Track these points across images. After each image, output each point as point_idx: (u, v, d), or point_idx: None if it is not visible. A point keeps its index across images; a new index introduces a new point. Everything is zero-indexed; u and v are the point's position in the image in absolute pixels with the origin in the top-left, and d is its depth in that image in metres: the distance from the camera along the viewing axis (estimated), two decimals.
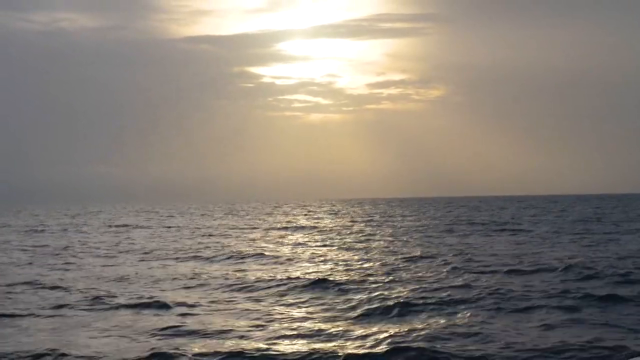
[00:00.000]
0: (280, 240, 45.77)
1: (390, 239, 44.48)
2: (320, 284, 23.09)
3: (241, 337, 15.53)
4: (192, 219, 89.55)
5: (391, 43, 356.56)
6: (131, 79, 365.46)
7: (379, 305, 18.77)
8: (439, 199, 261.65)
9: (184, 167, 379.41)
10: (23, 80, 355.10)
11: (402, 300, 19.06)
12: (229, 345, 14.71)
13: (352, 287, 22.36)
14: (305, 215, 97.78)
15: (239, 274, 26.91)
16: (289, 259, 32.36)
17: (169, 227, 67.54)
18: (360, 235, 48.98)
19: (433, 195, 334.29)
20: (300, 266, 29.42)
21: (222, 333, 15.94)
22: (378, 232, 52.84)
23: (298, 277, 24.94)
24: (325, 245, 40.35)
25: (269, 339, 15.35)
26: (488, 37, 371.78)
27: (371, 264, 29.27)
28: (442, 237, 44.29)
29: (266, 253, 35.28)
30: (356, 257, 32.35)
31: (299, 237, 48.97)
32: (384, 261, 29.94)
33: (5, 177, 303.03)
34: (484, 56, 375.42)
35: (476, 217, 75.45)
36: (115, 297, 21.47)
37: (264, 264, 30.60)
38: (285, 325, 16.79)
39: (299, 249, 37.95)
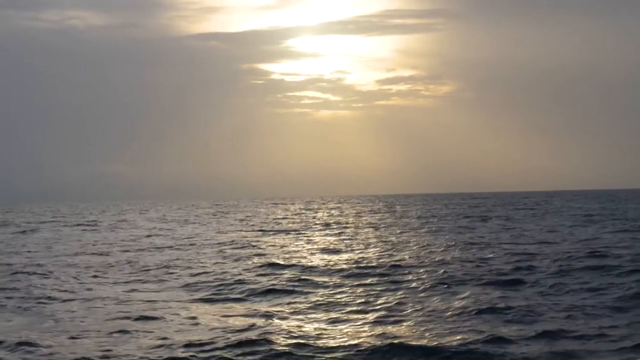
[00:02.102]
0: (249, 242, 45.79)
1: (356, 239, 44.53)
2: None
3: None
4: (187, 218, 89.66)
5: (401, 39, 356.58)
6: (141, 77, 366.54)
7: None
8: (448, 195, 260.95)
9: (194, 164, 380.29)
10: (35, 80, 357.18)
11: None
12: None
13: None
14: (298, 214, 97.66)
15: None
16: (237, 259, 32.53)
17: (155, 224, 67.84)
18: (333, 236, 48.89)
19: (443, 192, 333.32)
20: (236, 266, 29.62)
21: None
22: (357, 231, 52.93)
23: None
24: (290, 245, 40.47)
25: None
26: (498, 33, 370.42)
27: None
28: (415, 233, 44.35)
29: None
30: (301, 258, 32.47)
31: (275, 239, 48.98)
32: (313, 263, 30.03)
33: (18, 178, 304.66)
34: (493, 52, 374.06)
35: (460, 214, 75.43)
36: None
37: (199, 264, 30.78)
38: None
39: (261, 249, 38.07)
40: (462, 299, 19.83)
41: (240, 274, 26.89)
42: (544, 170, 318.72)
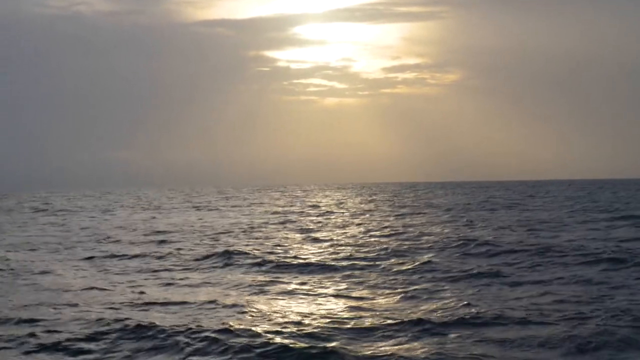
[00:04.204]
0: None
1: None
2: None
3: None
4: (165, 207, 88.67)
5: (407, 27, 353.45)
6: (147, 64, 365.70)
7: None
8: (453, 184, 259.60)
9: (199, 151, 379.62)
10: (42, 67, 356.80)
11: None
12: None
13: None
14: (283, 204, 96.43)
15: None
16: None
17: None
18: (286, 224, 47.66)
19: (449, 180, 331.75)
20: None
21: None
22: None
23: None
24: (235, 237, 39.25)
25: None
26: (504, 21, 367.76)
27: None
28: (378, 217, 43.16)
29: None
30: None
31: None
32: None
33: (25, 164, 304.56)
34: (500, 40, 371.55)
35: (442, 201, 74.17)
36: None
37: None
38: None
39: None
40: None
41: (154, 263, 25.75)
42: (549, 159, 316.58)
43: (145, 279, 22.20)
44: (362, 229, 40.93)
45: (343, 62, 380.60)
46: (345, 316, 15.86)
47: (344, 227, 43.08)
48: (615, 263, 22.54)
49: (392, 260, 25.11)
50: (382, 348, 13.21)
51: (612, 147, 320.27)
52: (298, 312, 16.39)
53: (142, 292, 19.53)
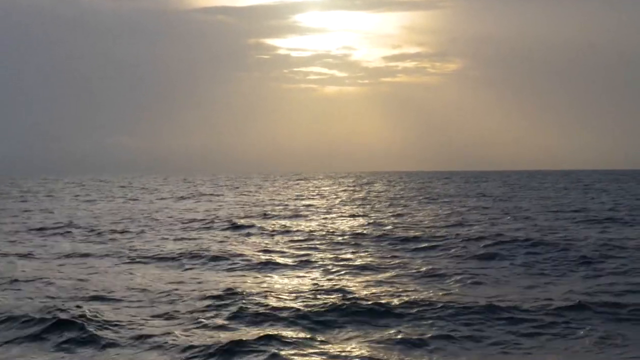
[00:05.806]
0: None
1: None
2: None
3: None
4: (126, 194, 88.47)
5: (408, 16, 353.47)
6: (148, 50, 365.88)
7: None
8: (453, 173, 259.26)
9: (200, 139, 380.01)
10: (44, 52, 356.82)
11: None
12: None
13: None
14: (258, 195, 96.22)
15: None
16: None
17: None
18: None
19: (448, 169, 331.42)
20: None
21: None
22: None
23: None
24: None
25: None
26: (504, 10, 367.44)
27: None
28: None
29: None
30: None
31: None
32: None
33: (29, 151, 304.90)
34: (500, 30, 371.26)
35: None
36: None
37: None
38: None
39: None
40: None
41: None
42: (548, 150, 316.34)
43: (63, 271, 21.97)
44: (328, 220, 40.74)
45: (343, 51, 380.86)
46: (256, 307, 15.84)
47: (313, 216, 42.97)
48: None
49: (326, 254, 24.93)
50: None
51: (613, 138, 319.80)
52: (202, 304, 16.33)
53: (50, 284, 19.39)
